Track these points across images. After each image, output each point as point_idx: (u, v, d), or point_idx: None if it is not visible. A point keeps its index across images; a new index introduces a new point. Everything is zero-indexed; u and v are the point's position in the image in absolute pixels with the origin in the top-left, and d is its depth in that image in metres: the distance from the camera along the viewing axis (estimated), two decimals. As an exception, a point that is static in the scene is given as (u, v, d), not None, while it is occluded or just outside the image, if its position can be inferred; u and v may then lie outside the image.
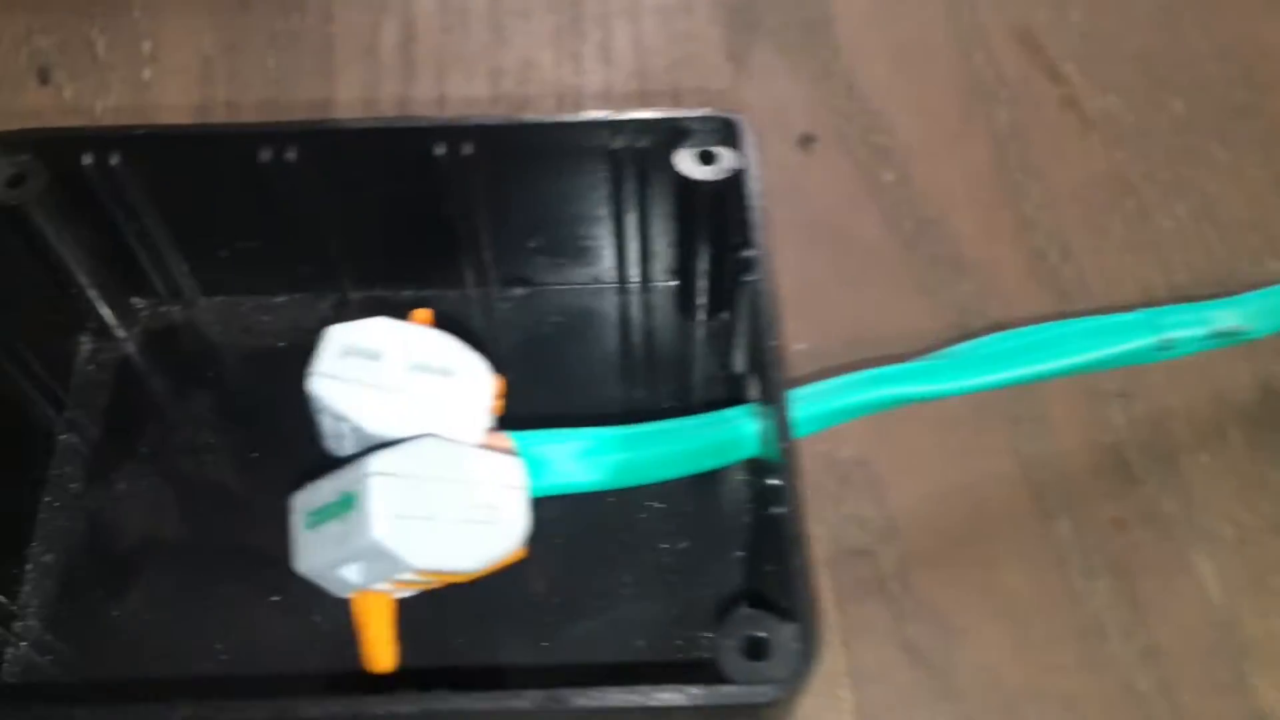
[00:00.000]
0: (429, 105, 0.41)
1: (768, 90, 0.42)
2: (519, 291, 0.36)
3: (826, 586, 0.32)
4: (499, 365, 0.29)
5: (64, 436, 0.34)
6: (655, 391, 0.35)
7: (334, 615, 0.28)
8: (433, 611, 0.28)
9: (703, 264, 0.34)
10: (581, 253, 0.35)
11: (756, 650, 0.24)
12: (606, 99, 0.41)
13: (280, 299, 0.36)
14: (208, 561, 0.32)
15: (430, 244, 0.34)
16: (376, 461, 0.26)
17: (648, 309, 0.36)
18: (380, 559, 0.26)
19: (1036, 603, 0.31)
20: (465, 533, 0.27)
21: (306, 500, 0.27)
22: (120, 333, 0.35)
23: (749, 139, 0.31)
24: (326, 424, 0.28)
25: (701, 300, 0.35)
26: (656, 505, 0.32)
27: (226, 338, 0.35)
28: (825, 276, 0.37)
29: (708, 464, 0.31)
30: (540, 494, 0.29)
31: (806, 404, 0.29)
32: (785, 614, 0.24)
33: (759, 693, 0.24)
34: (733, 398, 0.32)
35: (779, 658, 0.24)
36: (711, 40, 0.43)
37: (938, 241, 0.38)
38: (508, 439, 0.29)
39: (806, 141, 0.40)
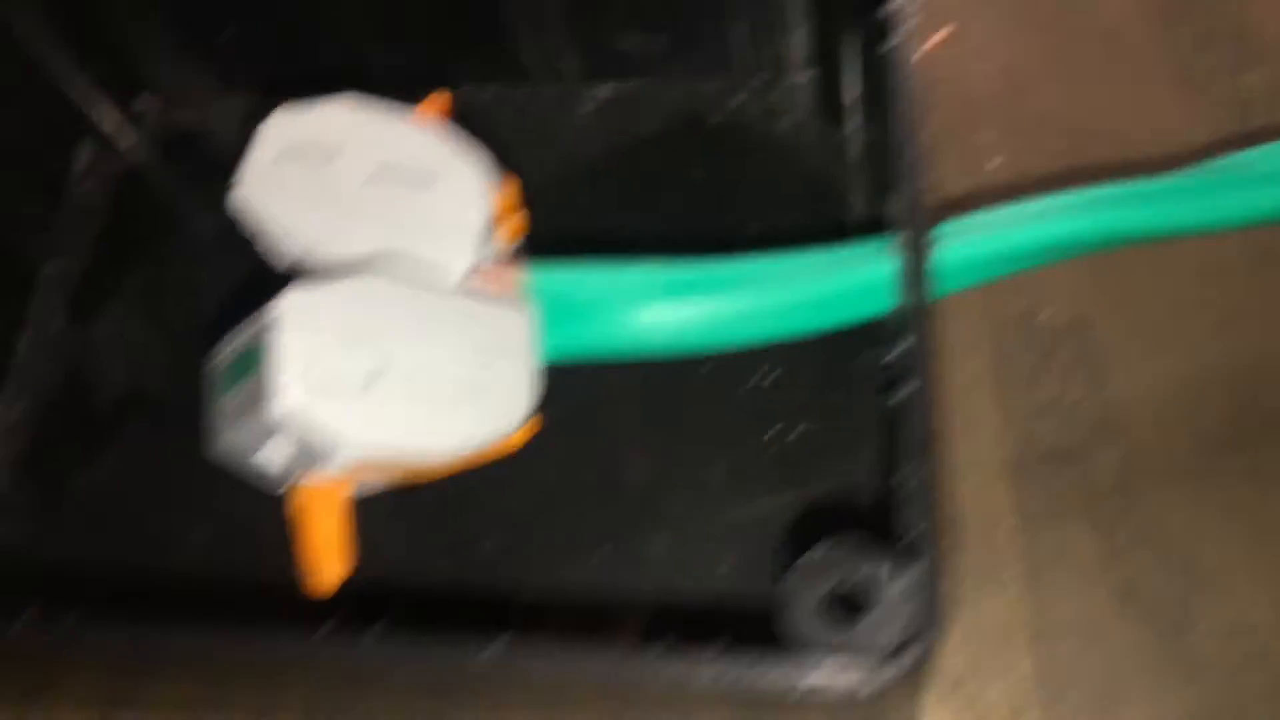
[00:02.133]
0: None
1: None
2: (604, 90, 0.28)
3: (1008, 504, 0.24)
4: (570, 183, 0.25)
5: (48, 267, 0.28)
6: (776, 227, 0.26)
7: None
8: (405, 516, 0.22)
9: (850, 45, 0.25)
10: (688, 28, 0.27)
11: (846, 606, 0.16)
12: None
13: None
14: (196, 432, 0.25)
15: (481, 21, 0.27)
16: (289, 302, 0.18)
17: (773, 112, 0.28)
18: (298, 440, 0.18)
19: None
20: (428, 407, 0.18)
21: (224, 354, 0.20)
22: (122, 141, 0.30)
23: None
24: (272, 253, 0.21)
25: (852, 99, 0.27)
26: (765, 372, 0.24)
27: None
28: (1039, 64, 0.29)
29: (829, 319, 0.22)
30: (572, 355, 0.21)
31: (975, 239, 0.22)
32: (901, 552, 0.16)
33: (834, 674, 0.16)
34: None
35: (878, 620, 0.16)
36: None
37: (1211, 12, 0.29)
38: (516, 274, 0.20)
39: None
